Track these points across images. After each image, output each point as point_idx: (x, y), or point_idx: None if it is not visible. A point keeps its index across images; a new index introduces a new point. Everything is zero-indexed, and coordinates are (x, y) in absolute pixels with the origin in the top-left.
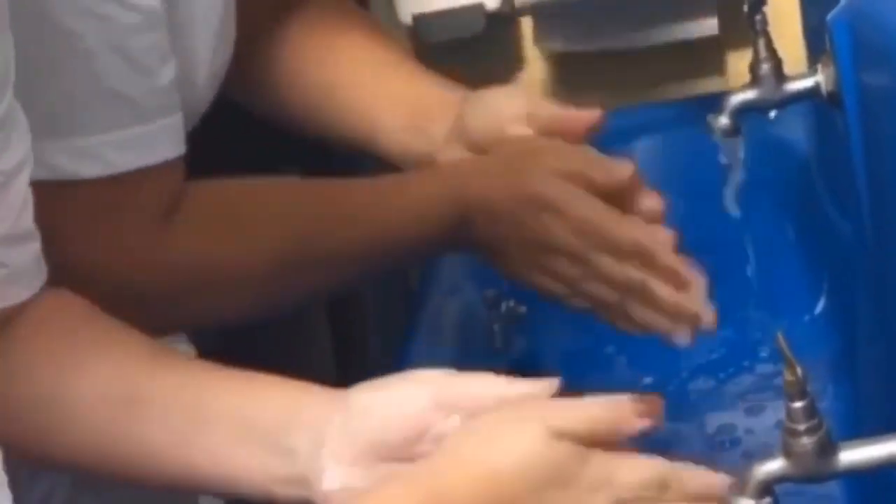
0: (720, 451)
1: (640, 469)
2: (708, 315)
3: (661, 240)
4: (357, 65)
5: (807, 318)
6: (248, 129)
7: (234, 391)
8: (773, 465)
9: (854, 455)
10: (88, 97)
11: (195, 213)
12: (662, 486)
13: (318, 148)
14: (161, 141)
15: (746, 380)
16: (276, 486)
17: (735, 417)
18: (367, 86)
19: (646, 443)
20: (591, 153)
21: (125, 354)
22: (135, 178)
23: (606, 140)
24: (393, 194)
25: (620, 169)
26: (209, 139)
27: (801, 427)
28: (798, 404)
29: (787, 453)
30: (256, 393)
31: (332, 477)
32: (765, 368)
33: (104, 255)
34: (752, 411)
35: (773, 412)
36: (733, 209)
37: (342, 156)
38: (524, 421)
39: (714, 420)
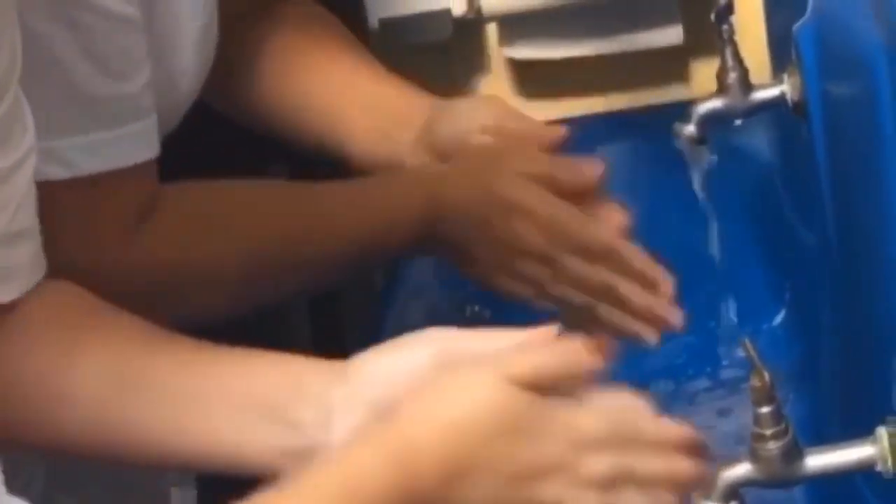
0: None
1: (597, 416)
2: (676, 316)
3: (629, 244)
4: (328, 70)
5: (769, 325)
6: (235, 129)
7: (234, 368)
8: (740, 470)
9: (819, 460)
10: (57, 100)
11: (169, 216)
12: (621, 433)
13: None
14: (131, 145)
15: (708, 385)
16: (283, 460)
17: (697, 422)
18: (337, 91)
19: None
20: (557, 156)
21: (123, 338)
22: (105, 181)
23: (572, 148)
24: (365, 197)
25: (586, 169)
26: (197, 139)
27: (768, 432)
28: (765, 409)
29: (754, 457)
30: (257, 368)
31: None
32: (727, 374)
33: (76, 257)
34: (714, 416)
35: (736, 417)
36: (698, 217)
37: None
38: (480, 371)
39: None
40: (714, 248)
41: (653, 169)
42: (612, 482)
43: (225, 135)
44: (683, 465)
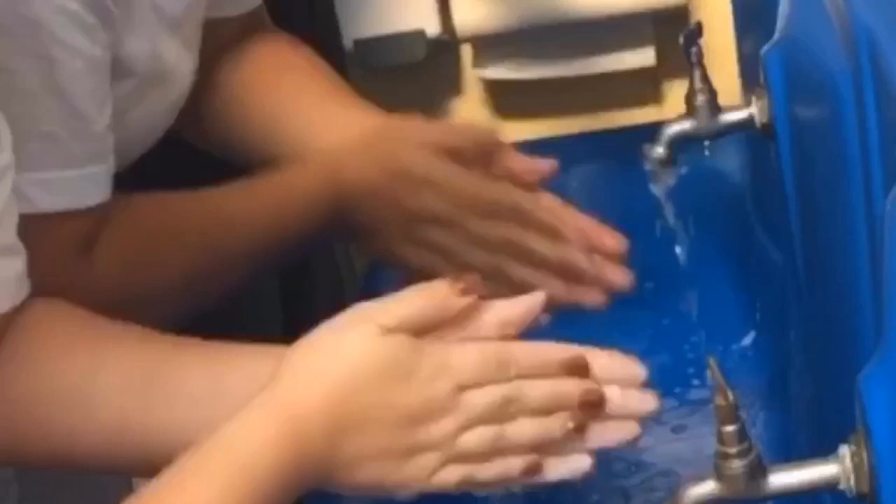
0: (648, 473)
1: (473, 350)
2: (583, 260)
3: (534, 199)
4: (301, 98)
5: (739, 345)
6: (199, 157)
7: (243, 367)
8: (705, 488)
9: (783, 478)
10: (22, 136)
11: (114, 239)
12: (499, 364)
13: None
14: (87, 187)
15: (677, 405)
16: None
17: (665, 441)
18: (305, 120)
19: None
20: (455, 124)
21: (135, 344)
22: (57, 218)
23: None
24: (273, 187)
25: (481, 132)
26: (161, 166)
27: (733, 450)
28: (729, 428)
29: (719, 476)
30: (264, 367)
31: None
32: (696, 394)
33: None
34: (682, 435)
35: (704, 437)
36: (667, 238)
37: None
38: (354, 324)
39: (643, 444)
40: (683, 268)
41: (624, 190)
42: (500, 414)
43: (188, 162)
44: (569, 385)
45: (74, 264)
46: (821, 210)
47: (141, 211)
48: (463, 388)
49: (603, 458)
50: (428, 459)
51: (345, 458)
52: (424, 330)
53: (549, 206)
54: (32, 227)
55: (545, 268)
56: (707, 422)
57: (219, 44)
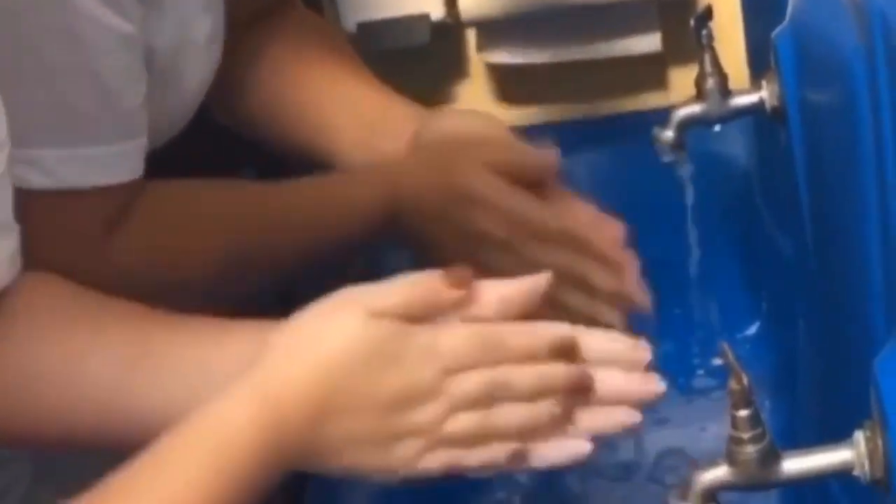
0: (655, 464)
1: (460, 334)
2: (642, 296)
3: (593, 226)
4: (320, 81)
5: (746, 332)
6: (207, 133)
7: (242, 343)
8: (717, 472)
9: (797, 464)
10: (48, 112)
11: (142, 220)
12: (487, 348)
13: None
14: (118, 163)
15: (683, 394)
16: None
17: (672, 431)
18: (326, 102)
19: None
20: (516, 144)
21: (125, 317)
22: (85, 193)
23: None
24: (327, 191)
25: (545, 157)
26: (170, 144)
27: (746, 435)
28: (743, 413)
29: (731, 461)
30: (256, 345)
31: None
32: (702, 383)
33: (48, 262)
34: (689, 425)
35: (712, 426)
36: (675, 223)
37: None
38: (343, 307)
39: (650, 434)
40: (691, 254)
41: (630, 175)
42: (487, 399)
43: (197, 140)
44: (557, 371)
45: (98, 244)
46: (832, 195)
47: (169, 198)
48: (449, 372)
49: (609, 448)
50: (412, 444)
51: (327, 442)
52: (413, 319)
53: (599, 235)
54: (59, 204)
55: (600, 298)
56: (711, 411)
57: (244, 20)
